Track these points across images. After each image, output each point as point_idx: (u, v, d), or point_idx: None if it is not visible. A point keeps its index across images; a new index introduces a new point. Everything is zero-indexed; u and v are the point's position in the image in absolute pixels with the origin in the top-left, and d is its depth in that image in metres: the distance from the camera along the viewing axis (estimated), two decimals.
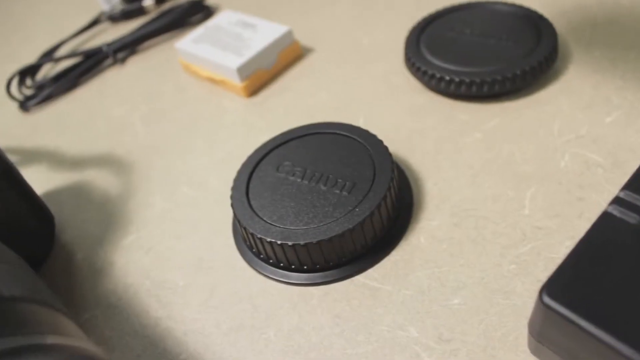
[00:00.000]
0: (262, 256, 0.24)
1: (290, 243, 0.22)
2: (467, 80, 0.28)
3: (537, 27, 0.30)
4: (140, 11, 0.45)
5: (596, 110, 0.27)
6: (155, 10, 0.45)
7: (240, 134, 0.32)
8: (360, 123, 0.30)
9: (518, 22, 0.31)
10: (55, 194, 0.32)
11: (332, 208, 0.23)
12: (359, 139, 0.26)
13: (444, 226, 0.24)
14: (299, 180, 0.25)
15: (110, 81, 0.39)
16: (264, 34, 0.35)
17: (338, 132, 0.27)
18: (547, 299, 0.17)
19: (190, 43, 0.36)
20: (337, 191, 0.24)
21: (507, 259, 0.22)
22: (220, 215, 0.28)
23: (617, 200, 0.19)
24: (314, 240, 0.22)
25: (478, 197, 0.25)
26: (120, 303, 0.25)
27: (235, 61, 0.33)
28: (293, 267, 0.23)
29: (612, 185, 0.24)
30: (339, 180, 0.24)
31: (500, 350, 0.20)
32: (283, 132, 0.28)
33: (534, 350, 0.19)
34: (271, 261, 0.24)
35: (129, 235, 0.28)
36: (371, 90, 0.32)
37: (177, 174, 0.30)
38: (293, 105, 0.33)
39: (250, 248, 0.25)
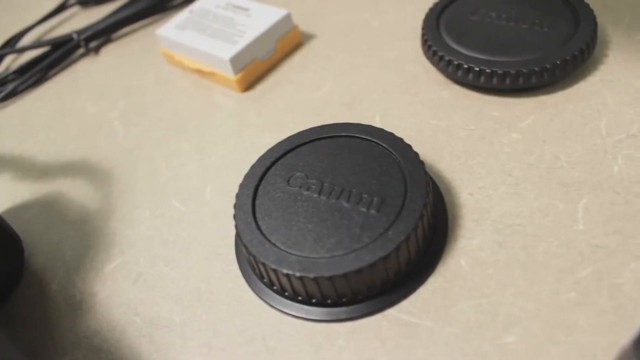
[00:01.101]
0: (275, 287, 0.20)
1: (311, 276, 0.19)
2: (500, 71, 0.25)
3: (573, 9, 0.27)
4: None
5: None
6: None
7: (235, 134, 0.28)
8: (377, 122, 0.26)
9: (551, 4, 0.27)
10: (22, 209, 0.27)
11: (360, 230, 0.20)
12: (383, 144, 0.22)
13: (486, 246, 0.21)
14: (315, 195, 0.21)
15: (82, 74, 0.35)
16: (259, 19, 0.30)
17: (357, 135, 0.23)
18: None
19: (173, 30, 0.31)
20: (364, 209, 0.20)
21: (565, 285, 0.19)
22: (219, 234, 0.24)
23: None
24: (341, 272, 0.18)
25: (523, 210, 0.21)
26: (106, 345, 0.21)
27: (228, 51, 0.29)
28: (314, 300, 0.20)
29: None
30: (365, 195, 0.21)
31: None
32: (291, 136, 0.24)
33: None
34: (287, 294, 0.20)
35: (112, 260, 0.24)
36: (385, 82, 0.28)
37: (165, 184, 0.26)
38: (295, 101, 0.29)
39: (261, 277, 0.21)
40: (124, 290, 0.23)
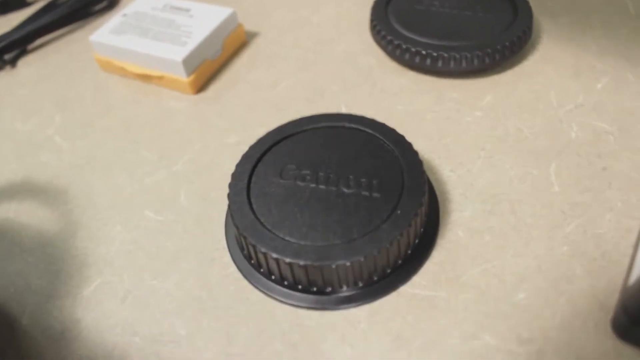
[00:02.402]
0: (287, 283, 0.20)
1: (333, 265, 0.19)
2: (457, 55, 0.26)
3: None
4: (20, 2, 0.36)
5: (585, 78, 0.27)
6: (39, 0, 0.37)
7: (198, 137, 0.27)
8: (343, 111, 0.27)
9: None
10: None
11: (368, 213, 0.20)
12: (367, 130, 0.23)
13: (478, 216, 0.22)
14: (312, 185, 0.21)
15: (3, 89, 0.31)
16: (204, 19, 0.29)
17: (338, 124, 0.23)
18: None
19: (109, 35, 0.29)
20: (366, 193, 0.20)
21: (557, 241, 0.21)
22: (207, 239, 0.23)
23: None
24: (362, 257, 0.19)
25: (502, 179, 0.23)
26: None
27: (179, 52, 0.28)
28: (329, 289, 0.20)
29: (628, 151, 0.23)
30: (363, 179, 0.21)
31: (586, 340, 0.18)
32: (271, 131, 0.23)
33: (625, 335, 0.18)
34: (300, 287, 0.20)
35: (89, 281, 0.22)
36: (342, 75, 0.29)
37: (132, 196, 0.25)
38: (255, 99, 0.28)
39: (269, 275, 0.20)
40: (114, 311, 0.21)
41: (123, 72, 0.30)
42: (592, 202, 0.22)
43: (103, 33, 0.30)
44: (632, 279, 0.18)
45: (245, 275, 0.21)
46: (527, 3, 0.28)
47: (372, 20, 0.29)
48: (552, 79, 0.27)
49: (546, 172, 0.23)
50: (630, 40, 0.28)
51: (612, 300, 0.19)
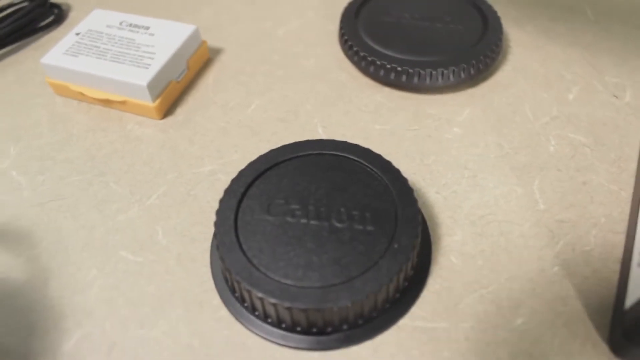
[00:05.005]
0: (284, 325, 0.19)
1: (335, 307, 0.18)
2: (434, 71, 0.26)
3: (475, 5, 0.29)
4: None
5: (557, 89, 0.27)
6: None
7: (171, 167, 0.25)
8: (320, 134, 0.26)
9: (454, 3, 0.29)
10: None
11: (365, 247, 0.19)
12: (351, 157, 0.22)
13: (468, 239, 0.22)
14: (303, 220, 0.20)
15: None
16: (166, 37, 0.28)
17: (322, 152, 0.22)
18: None
19: (63, 57, 0.27)
20: (360, 226, 0.20)
21: (547, 261, 0.21)
22: (192, 280, 0.21)
23: None
24: (364, 295, 0.18)
25: (488, 199, 0.23)
26: None
27: (143, 76, 0.26)
28: (329, 329, 0.19)
29: (605, 163, 0.24)
30: (354, 212, 0.20)
31: None
32: (251, 163, 0.22)
33: (623, 353, 0.18)
34: (299, 329, 0.19)
35: (69, 335, 0.20)
36: (314, 92, 0.28)
37: (105, 236, 0.23)
38: (226, 122, 0.27)
39: (264, 318, 0.20)
40: None
41: (81, 97, 0.28)
42: (577, 219, 0.22)
43: (56, 55, 0.27)
44: (629, 302, 0.18)
45: (239, 319, 0.20)
46: (496, 13, 0.28)
47: (342, 35, 0.28)
48: (525, 91, 0.27)
49: (530, 190, 0.23)
50: (593, 46, 0.29)
51: (606, 318, 0.19)
